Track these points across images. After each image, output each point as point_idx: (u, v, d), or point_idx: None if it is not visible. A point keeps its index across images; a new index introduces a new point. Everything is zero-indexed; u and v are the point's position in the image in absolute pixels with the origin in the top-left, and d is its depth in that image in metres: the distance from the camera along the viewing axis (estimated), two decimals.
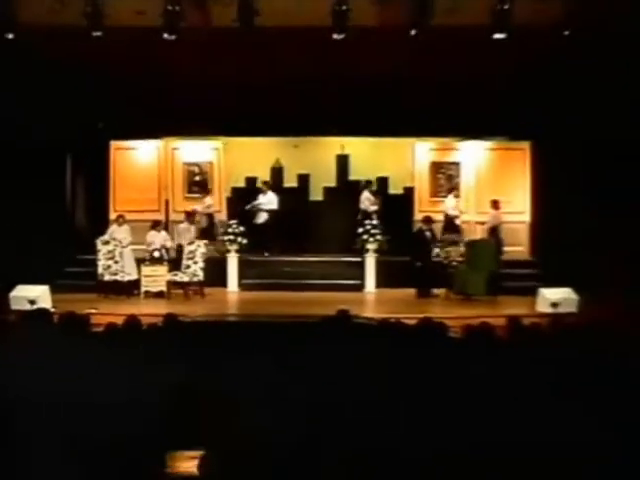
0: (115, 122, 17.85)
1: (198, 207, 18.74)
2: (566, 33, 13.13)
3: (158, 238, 17.17)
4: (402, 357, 5.76)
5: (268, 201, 18.65)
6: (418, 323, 7.40)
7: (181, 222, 17.96)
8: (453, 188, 18.82)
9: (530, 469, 3.81)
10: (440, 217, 18.32)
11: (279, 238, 18.59)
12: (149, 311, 12.69)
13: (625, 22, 12.54)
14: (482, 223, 18.54)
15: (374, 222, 17.92)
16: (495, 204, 18.22)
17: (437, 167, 19.49)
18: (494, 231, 18.15)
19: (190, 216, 17.97)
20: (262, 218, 18.50)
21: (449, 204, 18.58)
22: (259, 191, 19.00)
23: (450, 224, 18.40)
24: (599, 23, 12.74)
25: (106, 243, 16.72)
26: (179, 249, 17.21)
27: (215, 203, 19.32)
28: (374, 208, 18.59)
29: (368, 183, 18.99)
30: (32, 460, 3.77)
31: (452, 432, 4.05)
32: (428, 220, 17.11)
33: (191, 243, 16.99)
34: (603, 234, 14.69)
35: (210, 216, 18.80)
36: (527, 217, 18.95)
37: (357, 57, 14.41)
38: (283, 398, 4.43)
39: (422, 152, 19.50)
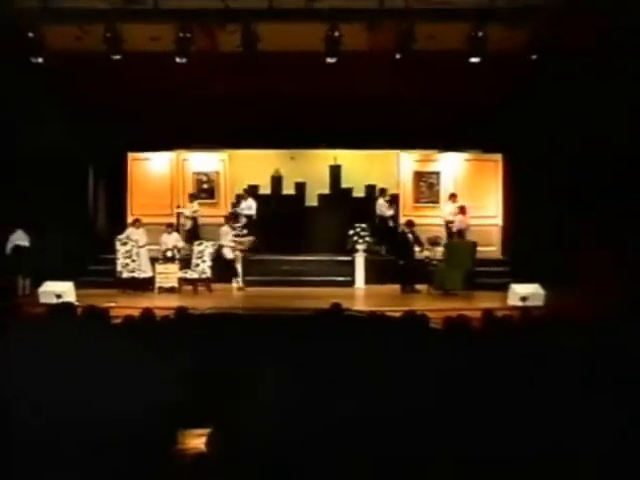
0: (132, 136, 17.80)
1: (186, 211, 18.72)
2: (533, 57, 13.16)
3: (170, 239, 17.18)
4: (389, 347, 5.74)
5: (247, 207, 18.75)
6: (403, 315, 7.40)
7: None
8: (453, 194, 18.68)
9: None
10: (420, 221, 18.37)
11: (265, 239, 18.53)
12: (162, 304, 12.64)
13: (582, 49, 12.61)
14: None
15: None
16: (462, 209, 18.22)
17: (419, 176, 19.50)
18: (460, 234, 18.16)
19: (229, 220, 17.97)
20: (241, 222, 18.42)
21: (447, 210, 18.58)
22: (241, 197, 19.08)
23: (449, 228, 18.39)
24: (561, 49, 12.79)
25: (124, 244, 16.70)
26: (219, 249, 17.32)
27: (221, 208, 19.32)
28: (390, 213, 18.78)
29: (382, 191, 19.08)
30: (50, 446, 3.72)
31: (438, 423, 3.98)
32: (410, 224, 17.11)
33: (200, 244, 16.99)
34: (566, 235, 14.74)
35: (194, 219, 18.73)
36: (499, 220, 18.98)
37: (348, 78, 14.42)
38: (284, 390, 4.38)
39: (406, 163, 19.48)
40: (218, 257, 17.21)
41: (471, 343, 6.38)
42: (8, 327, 6.64)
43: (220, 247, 17.26)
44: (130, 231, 17.33)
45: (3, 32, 13.13)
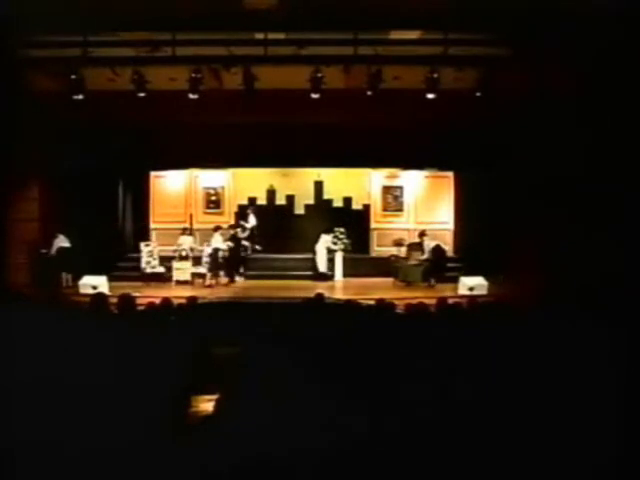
0: (153, 157, 17.77)
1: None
2: (478, 95, 13.24)
3: (186, 241, 17.13)
4: (363, 328, 5.73)
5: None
6: (375, 303, 7.44)
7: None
8: (422, 232, 17.77)
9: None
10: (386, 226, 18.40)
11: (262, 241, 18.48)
12: (178, 294, 12.63)
13: (514, 89, 12.74)
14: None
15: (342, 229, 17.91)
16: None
17: (386, 190, 19.53)
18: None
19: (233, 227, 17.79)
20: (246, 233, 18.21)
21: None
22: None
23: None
24: (499, 88, 12.90)
25: (147, 245, 16.71)
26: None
27: (226, 217, 19.30)
28: None
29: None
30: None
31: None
32: None
33: (209, 245, 16.95)
34: (505, 238, 14.81)
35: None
36: (451, 225, 18.96)
37: (329, 111, 14.42)
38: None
39: (376, 178, 19.48)
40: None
41: (428, 323, 6.43)
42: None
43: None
44: (182, 239, 17.29)
45: (50, 74, 13.16)
